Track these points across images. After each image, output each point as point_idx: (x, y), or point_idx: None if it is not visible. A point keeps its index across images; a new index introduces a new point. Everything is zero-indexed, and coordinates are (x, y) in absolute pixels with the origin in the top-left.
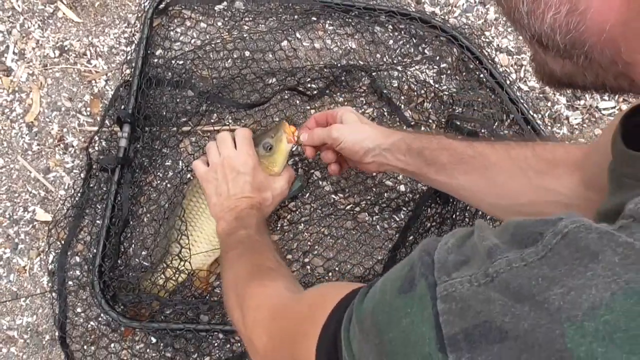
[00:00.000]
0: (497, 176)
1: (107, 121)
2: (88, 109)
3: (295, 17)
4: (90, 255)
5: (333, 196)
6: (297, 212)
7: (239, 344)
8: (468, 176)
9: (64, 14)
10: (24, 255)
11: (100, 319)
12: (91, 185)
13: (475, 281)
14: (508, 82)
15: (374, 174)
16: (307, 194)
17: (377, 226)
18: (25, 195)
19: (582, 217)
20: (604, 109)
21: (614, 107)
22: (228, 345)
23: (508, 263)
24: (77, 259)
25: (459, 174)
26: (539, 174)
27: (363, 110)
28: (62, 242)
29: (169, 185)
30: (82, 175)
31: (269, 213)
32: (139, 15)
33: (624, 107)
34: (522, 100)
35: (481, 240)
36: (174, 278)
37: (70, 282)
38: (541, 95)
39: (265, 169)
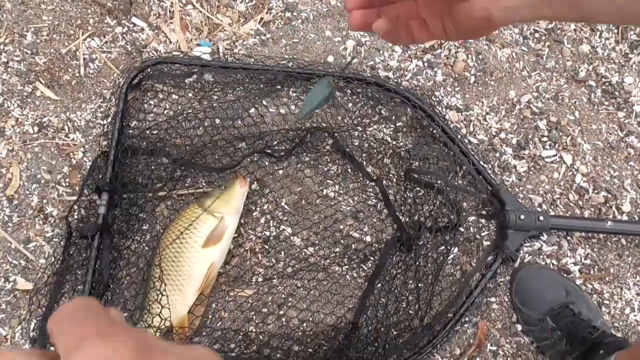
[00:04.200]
0: None
1: (85, 190)
2: (67, 180)
3: (261, 86)
4: None
5: (304, 250)
6: (271, 268)
7: None
8: None
9: (42, 92)
10: (5, 325)
11: None
12: (71, 252)
13: None
14: (459, 136)
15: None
16: (280, 251)
17: (347, 276)
18: (5, 265)
19: None
20: (547, 157)
21: (555, 155)
22: None
23: None
24: None
25: None
26: None
27: (328, 167)
28: (44, 309)
29: (147, 248)
30: (62, 243)
31: None
32: (114, 90)
33: (564, 155)
34: (472, 152)
35: None
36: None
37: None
38: (489, 147)
39: (224, 204)
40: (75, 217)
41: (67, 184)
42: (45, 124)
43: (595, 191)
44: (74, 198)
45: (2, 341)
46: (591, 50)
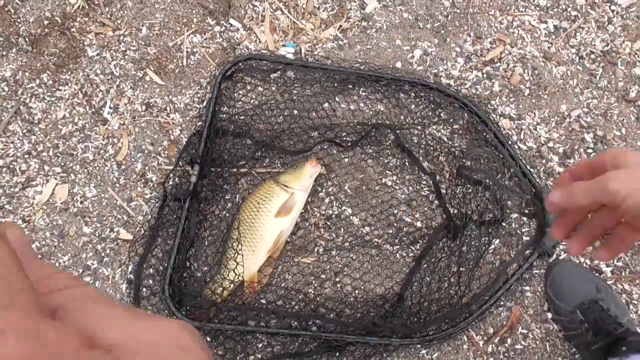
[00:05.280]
0: None
1: (180, 162)
2: (166, 152)
3: (335, 84)
4: (162, 268)
5: (361, 229)
6: (331, 241)
7: (279, 346)
8: None
9: (150, 77)
10: (108, 267)
11: None
12: (165, 212)
13: None
14: (509, 142)
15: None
16: (340, 227)
17: (397, 254)
18: (111, 218)
19: None
20: None
21: None
22: (269, 348)
23: None
24: (151, 270)
25: None
26: None
27: (388, 160)
28: (139, 256)
29: (227, 214)
30: (158, 204)
31: None
32: (210, 79)
33: None
34: (520, 157)
35: None
36: (228, 287)
37: (144, 289)
38: (537, 154)
39: (295, 182)
40: (171, 183)
41: (166, 155)
42: (151, 104)
43: None
44: (171, 167)
45: (104, 280)
46: None
